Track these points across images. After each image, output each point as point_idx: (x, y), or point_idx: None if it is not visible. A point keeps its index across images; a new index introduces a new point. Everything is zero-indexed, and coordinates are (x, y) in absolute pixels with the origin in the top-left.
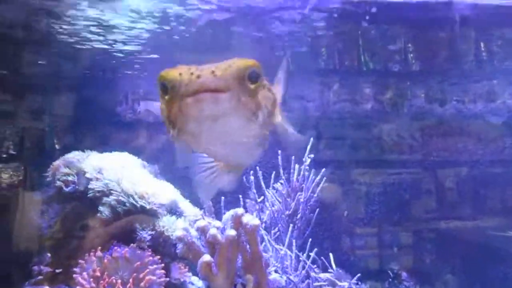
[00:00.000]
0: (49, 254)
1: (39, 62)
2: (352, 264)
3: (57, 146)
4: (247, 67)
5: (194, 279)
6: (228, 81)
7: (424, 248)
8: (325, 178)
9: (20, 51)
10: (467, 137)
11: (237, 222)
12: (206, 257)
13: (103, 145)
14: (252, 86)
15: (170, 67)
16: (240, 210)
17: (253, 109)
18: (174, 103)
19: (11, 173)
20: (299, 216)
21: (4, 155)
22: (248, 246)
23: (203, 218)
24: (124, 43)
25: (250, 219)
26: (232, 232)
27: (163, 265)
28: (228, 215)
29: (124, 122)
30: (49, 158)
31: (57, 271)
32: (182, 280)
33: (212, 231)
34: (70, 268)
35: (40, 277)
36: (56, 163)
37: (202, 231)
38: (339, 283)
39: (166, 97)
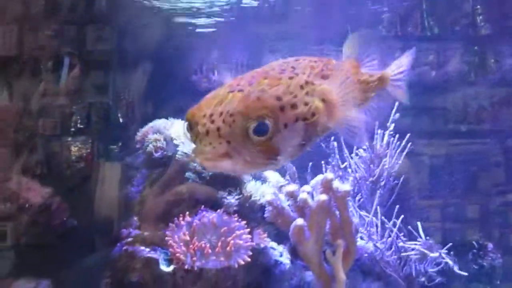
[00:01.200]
0: (136, 218)
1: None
2: (432, 235)
3: (123, 120)
4: (249, 124)
5: (273, 244)
6: (231, 144)
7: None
8: (410, 144)
9: (84, 29)
10: None
11: (327, 187)
12: (300, 221)
13: (178, 115)
14: (263, 139)
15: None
16: (330, 175)
17: (261, 161)
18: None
19: (79, 146)
20: (382, 183)
21: (73, 129)
22: (337, 212)
23: (289, 184)
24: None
25: (341, 185)
26: (323, 197)
27: (249, 230)
28: (317, 180)
29: (199, 91)
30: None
31: (146, 234)
32: (262, 245)
33: (303, 195)
34: (158, 232)
35: (129, 239)
36: (144, 129)
37: (291, 196)
38: (431, 254)
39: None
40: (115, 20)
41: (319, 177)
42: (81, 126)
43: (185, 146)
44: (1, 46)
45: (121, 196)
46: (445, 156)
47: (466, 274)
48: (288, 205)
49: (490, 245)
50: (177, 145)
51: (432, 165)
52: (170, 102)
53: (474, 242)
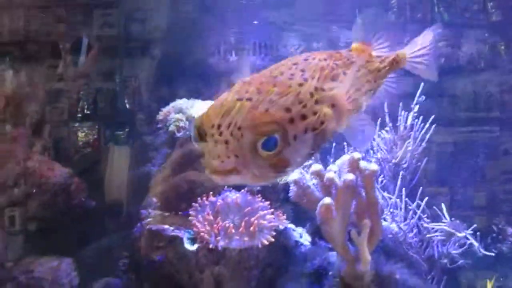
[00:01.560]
0: (155, 199)
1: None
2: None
3: (129, 105)
4: (257, 139)
5: (291, 226)
6: (239, 159)
7: None
8: (434, 126)
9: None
10: None
11: (354, 167)
12: (327, 200)
13: (197, 96)
14: (271, 153)
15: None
16: (357, 155)
17: (271, 175)
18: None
19: (86, 131)
20: (405, 165)
21: (80, 115)
22: (363, 192)
23: (314, 164)
24: None
25: (368, 164)
26: (350, 176)
27: (272, 210)
28: (343, 159)
29: (217, 72)
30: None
31: (166, 214)
32: (282, 227)
33: (330, 174)
34: (179, 212)
35: (149, 219)
36: (166, 109)
37: (317, 175)
38: (458, 234)
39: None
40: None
41: (346, 157)
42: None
43: None
44: (16, 30)
45: (139, 176)
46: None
47: (492, 254)
48: (313, 185)
49: (510, 230)
50: None
51: (451, 151)
52: (189, 83)
53: (493, 227)
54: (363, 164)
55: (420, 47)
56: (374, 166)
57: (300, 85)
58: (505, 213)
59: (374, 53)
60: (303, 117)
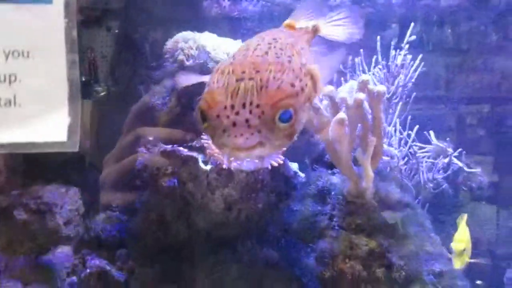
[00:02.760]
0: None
1: None
2: None
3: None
4: (276, 114)
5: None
6: (262, 133)
7: None
8: (423, 63)
9: None
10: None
11: (363, 88)
12: (342, 115)
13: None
14: (288, 124)
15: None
16: (366, 77)
17: (286, 142)
18: (211, 132)
19: None
20: (397, 100)
21: None
22: (370, 112)
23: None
24: None
25: (376, 86)
26: (361, 95)
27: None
28: (350, 84)
29: (210, 16)
30: None
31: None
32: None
33: (343, 94)
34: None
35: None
36: (174, 39)
37: (329, 95)
38: (448, 150)
39: (205, 124)
40: None
41: (352, 82)
42: None
43: (218, 53)
44: None
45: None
46: None
47: (478, 170)
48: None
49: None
50: (209, 52)
51: None
52: (182, 26)
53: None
54: (371, 86)
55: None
56: (382, 88)
57: (289, 62)
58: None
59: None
60: (302, 89)
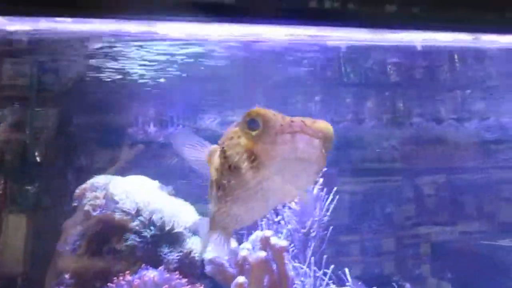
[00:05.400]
0: (67, 276)
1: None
2: (362, 275)
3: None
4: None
5: None
6: (318, 132)
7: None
8: (337, 197)
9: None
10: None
11: (266, 243)
12: (241, 279)
13: (112, 164)
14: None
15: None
16: (268, 232)
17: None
18: (265, 139)
19: None
20: (313, 234)
21: None
22: (275, 266)
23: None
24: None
25: (279, 240)
26: (262, 254)
27: (189, 287)
28: (255, 236)
29: (135, 142)
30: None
31: None
32: None
33: (243, 252)
34: None
35: None
36: (83, 186)
37: (232, 253)
38: None
39: (254, 133)
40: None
41: (258, 234)
42: None
43: (126, 203)
44: None
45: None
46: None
47: None
48: (227, 261)
49: (408, 285)
50: (117, 202)
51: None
52: (105, 152)
53: (393, 284)
54: (273, 240)
55: None
56: (284, 242)
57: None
58: (405, 268)
59: None
60: None
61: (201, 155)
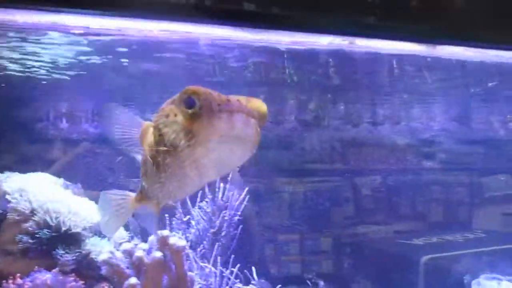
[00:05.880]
0: None
1: None
2: (275, 274)
3: None
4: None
5: None
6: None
7: (343, 254)
8: (248, 196)
9: None
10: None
11: (163, 243)
12: (133, 280)
13: (18, 164)
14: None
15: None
16: (165, 232)
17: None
18: (203, 118)
19: None
20: (223, 233)
21: None
22: (173, 266)
23: (130, 240)
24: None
25: (177, 240)
26: (158, 254)
27: None
28: (154, 236)
29: (46, 138)
30: None
31: None
32: None
33: (138, 253)
34: None
35: None
36: None
37: (128, 254)
38: None
39: (191, 111)
40: None
41: (159, 233)
42: None
43: (20, 203)
44: None
45: None
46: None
47: None
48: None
49: (321, 283)
50: (9, 202)
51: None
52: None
53: (307, 281)
54: (172, 240)
55: None
56: (182, 242)
57: None
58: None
59: None
60: None
61: (134, 133)
